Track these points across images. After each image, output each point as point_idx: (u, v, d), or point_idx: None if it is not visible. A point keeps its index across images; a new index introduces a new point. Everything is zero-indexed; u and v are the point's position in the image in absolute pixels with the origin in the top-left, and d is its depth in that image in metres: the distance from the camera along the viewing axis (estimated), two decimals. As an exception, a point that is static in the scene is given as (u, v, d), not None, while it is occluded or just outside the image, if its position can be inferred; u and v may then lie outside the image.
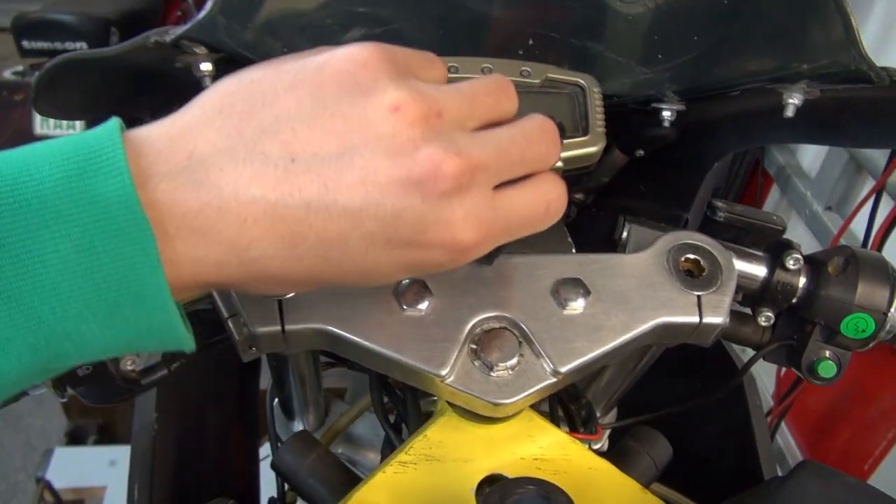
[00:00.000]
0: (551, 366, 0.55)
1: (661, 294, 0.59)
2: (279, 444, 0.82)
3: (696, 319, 0.58)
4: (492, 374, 0.55)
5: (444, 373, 0.54)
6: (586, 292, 0.58)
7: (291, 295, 0.56)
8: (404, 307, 0.56)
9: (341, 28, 0.68)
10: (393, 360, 0.55)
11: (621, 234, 0.67)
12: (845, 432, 1.73)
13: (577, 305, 0.58)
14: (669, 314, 0.58)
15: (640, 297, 0.59)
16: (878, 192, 1.42)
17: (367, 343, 0.55)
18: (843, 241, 1.56)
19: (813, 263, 0.66)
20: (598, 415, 0.78)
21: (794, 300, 0.67)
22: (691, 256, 0.61)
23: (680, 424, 0.78)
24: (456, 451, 0.59)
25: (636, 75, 0.71)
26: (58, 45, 2.84)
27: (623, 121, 0.79)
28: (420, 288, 0.57)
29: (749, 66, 0.62)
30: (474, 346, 0.56)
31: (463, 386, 0.55)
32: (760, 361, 0.73)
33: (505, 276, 0.59)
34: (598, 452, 0.69)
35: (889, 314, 0.63)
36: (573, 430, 0.72)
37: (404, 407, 0.71)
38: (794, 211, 1.94)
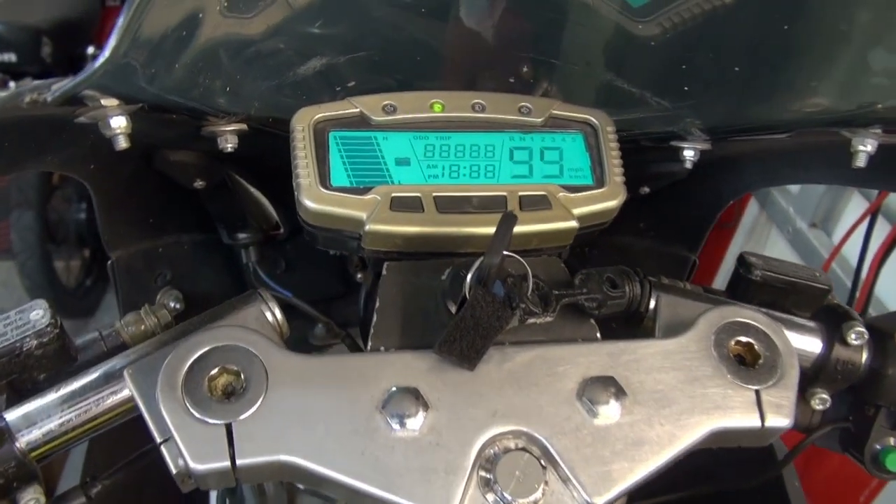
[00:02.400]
0: (584, 497, 0.43)
1: (711, 391, 0.47)
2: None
3: (756, 423, 0.47)
4: (510, 511, 0.42)
5: (448, 516, 0.42)
6: (621, 393, 0.46)
7: (245, 416, 0.42)
8: (393, 427, 0.43)
9: (298, 57, 0.55)
10: (381, 501, 0.42)
11: (647, 305, 0.55)
12: (838, 459, 1.65)
13: (612, 413, 0.45)
14: (724, 418, 0.47)
15: (687, 396, 0.47)
16: (873, 213, 1.34)
17: (344, 479, 0.42)
18: (834, 266, 1.47)
19: (876, 335, 0.55)
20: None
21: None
22: (743, 339, 0.50)
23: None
24: None
25: (654, 110, 0.60)
26: (-15, 56, 2.63)
27: (629, 155, 0.68)
28: (411, 399, 0.44)
29: (808, 104, 0.51)
30: (486, 475, 0.43)
31: (474, 532, 0.42)
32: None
33: (518, 376, 0.46)
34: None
35: (971, 395, 0.53)
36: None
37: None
38: (774, 227, 1.87)
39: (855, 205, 1.62)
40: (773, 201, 1.86)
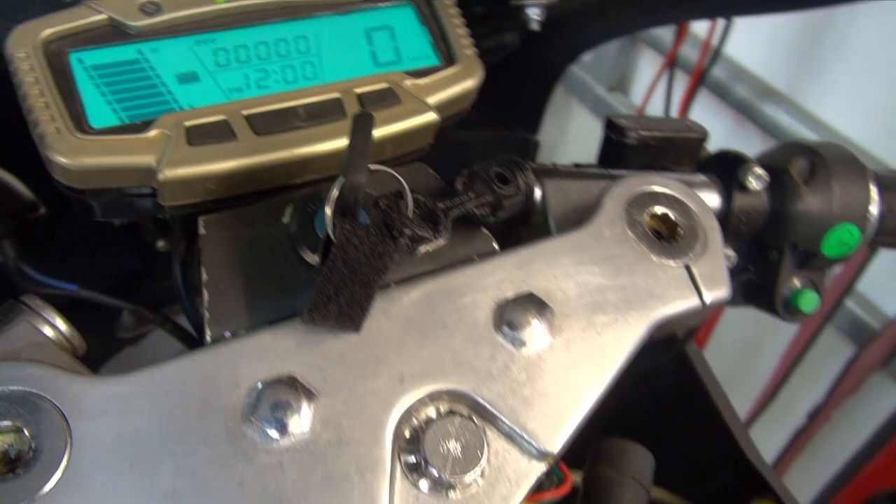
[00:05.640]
0: (538, 447, 0.34)
1: (640, 279, 0.39)
2: None
3: (696, 302, 0.40)
4: (455, 493, 0.32)
5: (379, 529, 0.31)
6: (545, 310, 0.37)
7: (46, 490, 0.28)
8: (273, 436, 0.31)
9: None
10: (284, 541, 0.30)
11: (531, 196, 0.46)
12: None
13: (541, 336, 0.36)
14: (663, 306, 0.39)
15: (617, 292, 0.39)
16: (671, 66, 1.35)
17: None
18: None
19: (770, 172, 0.50)
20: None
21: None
22: (658, 211, 0.42)
23: (632, 420, 0.61)
24: None
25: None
26: None
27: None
28: (288, 391, 0.32)
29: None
30: (412, 459, 0.33)
31: (418, 537, 0.32)
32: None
33: (418, 321, 0.36)
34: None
35: (870, 214, 0.50)
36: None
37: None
38: (574, 98, 1.87)
39: (649, 62, 1.65)
40: (568, 73, 1.85)
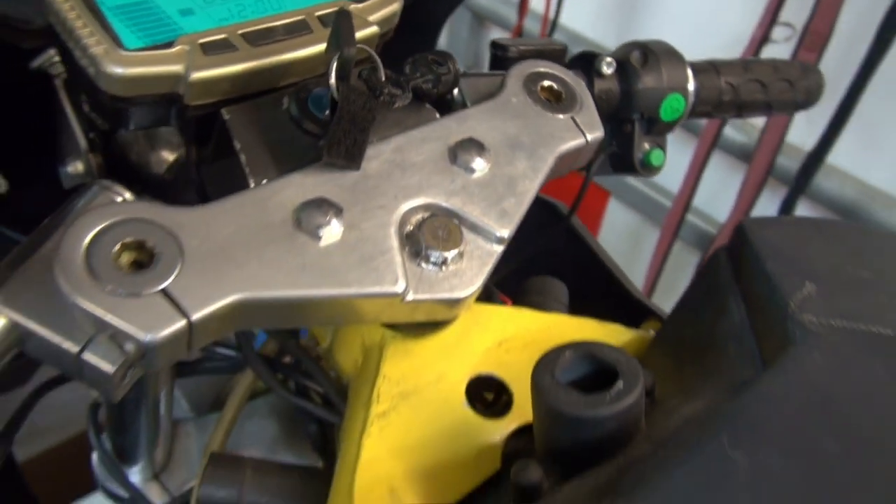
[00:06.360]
0: (495, 233, 0.49)
1: (544, 128, 0.55)
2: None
3: (582, 140, 0.56)
4: (446, 267, 0.47)
5: (401, 288, 0.45)
6: (482, 148, 0.52)
7: (173, 277, 0.40)
8: (317, 235, 0.44)
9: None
10: (338, 302, 0.43)
11: (456, 84, 0.60)
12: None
13: (482, 165, 0.51)
14: (562, 144, 0.55)
15: (529, 136, 0.54)
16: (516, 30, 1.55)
17: (303, 293, 0.42)
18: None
19: (618, 62, 0.68)
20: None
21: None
22: (546, 83, 0.58)
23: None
24: (423, 374, 0.50)
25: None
26: None
27: None
28: (323, 208, 0.45)
29: None
30: (414, 248, 0.47)
31: (427, 293, 0.46)
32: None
33: (396, 162, 0.49)
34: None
35: (689, 87, 0.69)
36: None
37: (300, 370, 0.58)
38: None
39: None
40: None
